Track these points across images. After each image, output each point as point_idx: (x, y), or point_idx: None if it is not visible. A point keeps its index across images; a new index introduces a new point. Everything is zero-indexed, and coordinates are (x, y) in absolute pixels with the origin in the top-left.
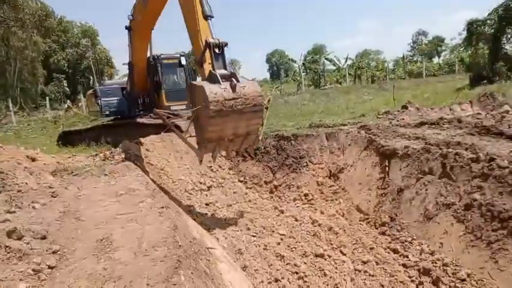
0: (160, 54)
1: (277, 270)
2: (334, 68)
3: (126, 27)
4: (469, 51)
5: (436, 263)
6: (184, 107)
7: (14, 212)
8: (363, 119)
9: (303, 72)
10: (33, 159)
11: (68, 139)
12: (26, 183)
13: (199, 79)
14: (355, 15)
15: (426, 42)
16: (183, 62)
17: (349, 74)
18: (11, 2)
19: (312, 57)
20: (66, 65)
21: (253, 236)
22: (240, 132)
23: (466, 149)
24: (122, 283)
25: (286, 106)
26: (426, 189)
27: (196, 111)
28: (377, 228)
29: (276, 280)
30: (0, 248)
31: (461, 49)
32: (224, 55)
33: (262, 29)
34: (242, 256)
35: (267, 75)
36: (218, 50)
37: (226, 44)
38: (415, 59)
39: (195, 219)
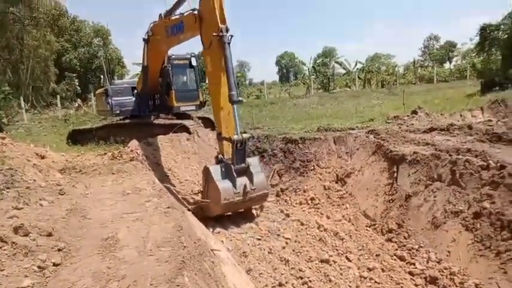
0: (172, 55)
1: (282, 274)
2: (344, 71)
3: (144, 40)
4: (482, 57)
5: (443, 271)
6: (193, 107)
7: (22, 208)
8: (372, 123)
9: (313, 75)
10: (43, 157)
11: (77, 137)
12: (35, 180)
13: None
14: (366, 18)
15: (438, 47)
16: (194, 63)
17: (359, 78)
18: (26, 1)
19: (322, 60)
20: (78, 64)
21: (258, 239)
22: (244, 207)
23: (476, 156)
24: (126, 282)
25: (294, 109)
26: (435, 196)
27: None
28: (384, 235)
29: (280, 284)
30: (6, 243)
31: (473, 54)
32: (245, 149)
33: (272, 31)
34: (247, 259)
35: (276, 78)
36: (240, 145)
37: (248, 139)
38: (426, 64)
39: (199, 221)
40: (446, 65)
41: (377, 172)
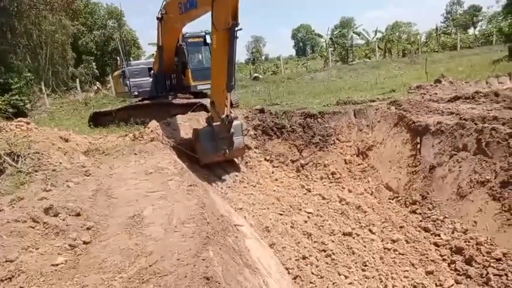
0: (186, 33)
1: (305, 247)
2: (362, 42)
3: (158, 18)
4: (509, 20)
5: (469, 241)
6: (210, 86)
7: (50, 190)
8: (393, 94)
9: (330, 47)
10: (66, 140)
11: (98, 120)
12: (60, 163)
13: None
14: None
15: (461, 12)
16: (209, 40)
17: (379, 48)
18: None
19: (340, 31)
20: (94, 47)
21: (280, 214)
22: (224, 160)
23: (504, 124)
24: (154, 258)
25: (312, 83)
26: (460, 167)
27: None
28: (407, 207)
29: (304, 257)
30: (38, 223)
31: (500, 18)
32: (231, 125)
33: (288, 4)
34: (269, 234)
35: (293, 52)
36: (227, 122)
37: (236, 118)
38: (449, 30)
39: (222, 197)
40: (471, 31)
41: (399, 144)
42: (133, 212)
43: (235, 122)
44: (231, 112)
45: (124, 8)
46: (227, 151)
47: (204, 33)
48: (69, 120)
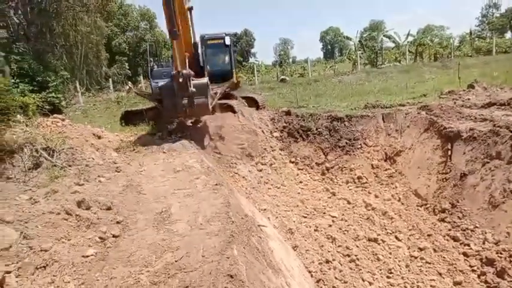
0: (205, 35)
1: (329, 251)
2: (393, 45)
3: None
4: None
5: (501, 253)
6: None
7: (83, 184)
8: (424, 99)
9: (359, 50)
10: (99, 137)
11: (129, 118)
12: (93, 159)
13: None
14: None
15: (498, 15)
16: (228, 42)
17: (410, 52)
18: None
19: (369, 34)
20: (127, 47)
21: (304, 217)
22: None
23: None
24: (180, 254)
25: (340, 86)
26: (493, 175)
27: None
28: (436, 215)
29: (327, 261)
30: (71, 216)
31: None
32: (190, 83)
33: (315, 6)
34: (293, 236)
35: (321, 54)
36: (181, 80)
37: (192, 75)
38: (484, 34)
39: (247, 198)
40: (508, 35)
41: (429, 150)
42: (161, 208)
43: (200, 81)
44: (184, 69)
45: (155, 9)
46: (187, 110)
47: (223, 35)
48: (101, 118)
